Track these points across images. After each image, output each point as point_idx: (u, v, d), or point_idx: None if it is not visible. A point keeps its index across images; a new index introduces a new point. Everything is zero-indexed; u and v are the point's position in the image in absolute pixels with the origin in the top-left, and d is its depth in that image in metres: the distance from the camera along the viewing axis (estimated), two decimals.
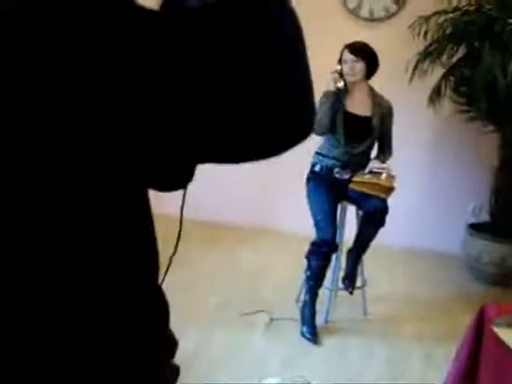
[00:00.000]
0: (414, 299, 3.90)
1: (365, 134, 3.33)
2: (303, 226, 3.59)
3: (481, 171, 4.56)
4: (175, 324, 0.76)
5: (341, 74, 3.25)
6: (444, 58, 4.23)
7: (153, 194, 0.61)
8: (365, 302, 3.58)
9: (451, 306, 3.81)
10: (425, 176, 4.85)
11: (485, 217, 4.50)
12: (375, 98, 3.37)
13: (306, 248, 3.28)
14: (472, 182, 4.70)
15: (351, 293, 3.41)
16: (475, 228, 4.43)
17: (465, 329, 2.28)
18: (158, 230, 0.68)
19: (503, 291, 4.17)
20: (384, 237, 3.39)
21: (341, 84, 3.20)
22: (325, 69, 3.62)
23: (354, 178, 3.29)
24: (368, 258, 3.50)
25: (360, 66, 3.26)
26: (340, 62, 3.30)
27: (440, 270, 4.49)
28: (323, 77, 3.46)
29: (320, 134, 3.28)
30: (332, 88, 3.23)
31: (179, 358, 0.76)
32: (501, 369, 2.00)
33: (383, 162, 3.39)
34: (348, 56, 3.26)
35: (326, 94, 3.25)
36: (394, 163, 3.47)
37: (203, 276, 3.93)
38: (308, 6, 4.68)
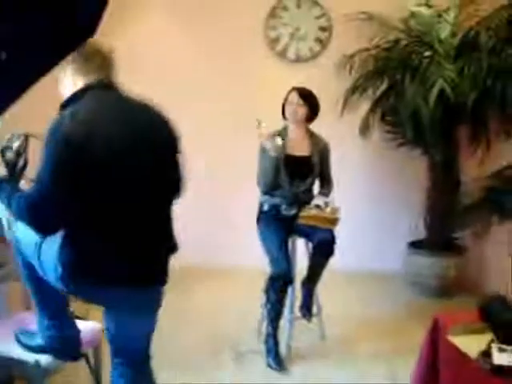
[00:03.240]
0: (366, 319, 4.15)
1: (306, 172, 3.59)
2: (258, 262, 3.74)
3: (415, 192, 4.89)
4: None
5: (273, 135, 3.44)
6: (370, 91, 4.57)
7: None
8: (322, 327, 3.80)
9: (402, 322, 4.08)
10: (363, 203, 5.14)
11: (422, 234, 4.81)
12: (312, 137, 3.65)
13: (261, 283, 3.46)
14: (407, 202, 5.02)
15: (309, 320, 3.62)
16: (414, 245, 4.74)
17: (419, 342, 2.50)
18: None
19: (447, 302, 4.48)
20: (332, 263, 3.59)
21: (280, 142, 3.38)
22: (258, 109, 3.85)
23: (301, 213, 3.50)
24: (320, 284, 3.70)
25: (304, 110, 3.53)
26: (284, 104, 3.59)
27: (387, 288, 4.78)
28: (257, 116, 3.50)
29: (265, 192, 3.55)
30: (268, 144, 3.36)
31: None
32: (458, 374, 2.22)
33: (326, 195, 3.64)
34: (295, 98, 3.52)
35: (264, 150, 3.42)
36: (335, 193, 3.73)
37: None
38: (238, 52, 4.98)
